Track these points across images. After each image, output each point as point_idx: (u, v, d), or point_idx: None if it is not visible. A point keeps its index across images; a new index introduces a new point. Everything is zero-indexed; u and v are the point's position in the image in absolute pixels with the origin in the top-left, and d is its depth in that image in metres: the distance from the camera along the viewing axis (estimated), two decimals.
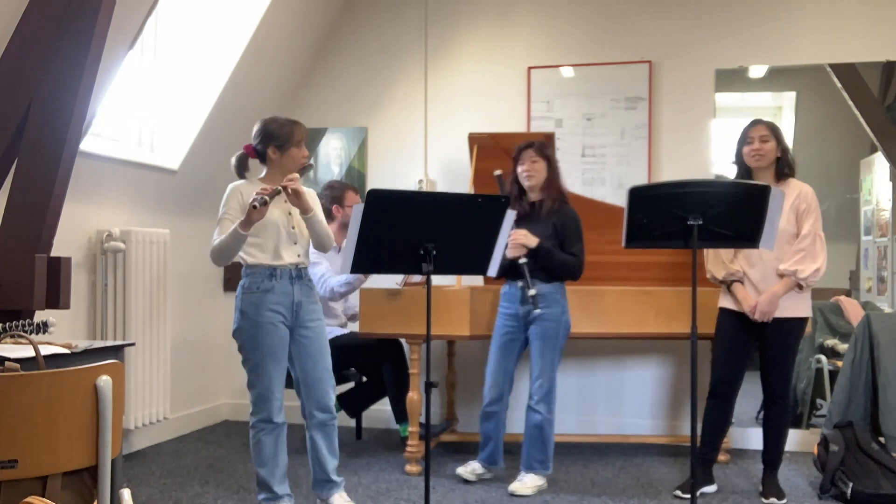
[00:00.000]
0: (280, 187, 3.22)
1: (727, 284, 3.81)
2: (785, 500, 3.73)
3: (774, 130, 3.79)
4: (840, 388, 4.24)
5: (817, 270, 3.69)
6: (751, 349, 3.84)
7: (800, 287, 3.70)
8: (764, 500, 3.78)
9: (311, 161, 3.43)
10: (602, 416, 5.01)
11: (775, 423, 3.84)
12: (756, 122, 3.82)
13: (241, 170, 3.42)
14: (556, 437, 4.76)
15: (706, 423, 3.86)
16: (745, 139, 3.80)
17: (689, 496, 3.67)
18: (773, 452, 3.86)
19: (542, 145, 3.97)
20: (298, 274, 3.40)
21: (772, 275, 3.72)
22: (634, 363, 5.01)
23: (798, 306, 3.74)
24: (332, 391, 3.53)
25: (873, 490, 3.62)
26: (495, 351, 4.02)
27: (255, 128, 3.43)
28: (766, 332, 3.75)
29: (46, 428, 1.81)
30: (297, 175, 3.30)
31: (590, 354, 5.05)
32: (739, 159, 3.84)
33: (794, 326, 3.75)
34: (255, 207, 3.10)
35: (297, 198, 3.25)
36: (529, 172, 3.91)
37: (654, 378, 4.98)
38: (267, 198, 3.14)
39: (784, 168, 3.79)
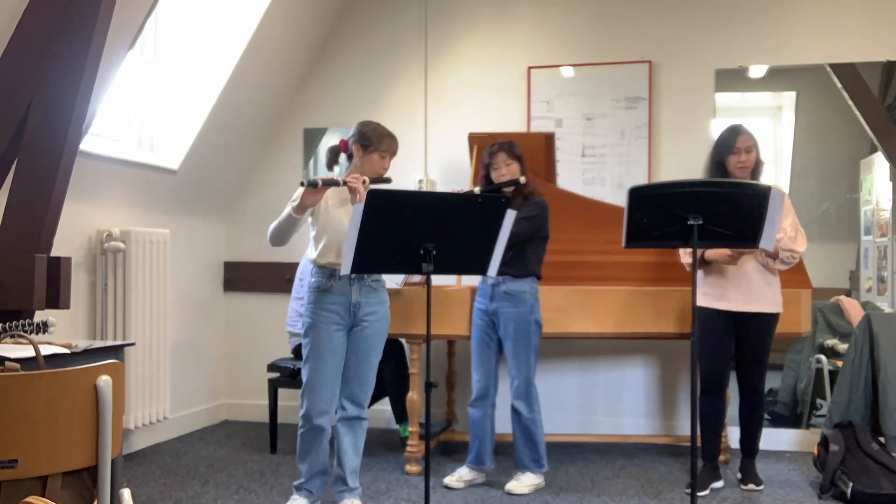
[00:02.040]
0: (341, 180, 3.31)
1: (703, 261, 3.84)
2: (762, 487, 3.86)
3: (755, 140, 3.87)
4: (840, 388, 4.24)
5: (795, 252, 3.80)
6: (731, 343, 3.92)
7: (772, 258, 3.79)
8: (742, 486, 3.91)
9: (391, 178, 3.50)
10: (602, 416, 5.01)
11: (754, 417, 3.96)
12: (741, 132, 3.86)
13: (331, 163, 3.59)
14: (557, 436, 4.79)
15: (703, 420, 3.90)
16: (730, 148, 3.85)
17: (701, 494, 3.77)
18: (751, 442, 3.99)
19: (511, 145, 3.93)
20: (359, 275, 3.42)
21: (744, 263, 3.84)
22: (634, 363, 5.01)
23: (775, 301, 3.87)
24: (370, 391, 3.56)
25: (873, 490, 3.62)
26: (473, 348, 4.05)
27: (355, 126, 3.56)
28: (745, 327, 3.86)
29: (46, 428, 1.81)
30: (360, 176, 3.34)
31: (590, 354, 5.05)
32: (717, 163, 3.89)
33: (771, 321, 3.87)
34: (302, 184, 3.22)
35: (353, 194, 3.30)
36: (509, 175, 3.88)
37: (653, 378, 4.98)
38: (320, 181, 3.24)
39: (757, 175, 3.90)
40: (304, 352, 3.47)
